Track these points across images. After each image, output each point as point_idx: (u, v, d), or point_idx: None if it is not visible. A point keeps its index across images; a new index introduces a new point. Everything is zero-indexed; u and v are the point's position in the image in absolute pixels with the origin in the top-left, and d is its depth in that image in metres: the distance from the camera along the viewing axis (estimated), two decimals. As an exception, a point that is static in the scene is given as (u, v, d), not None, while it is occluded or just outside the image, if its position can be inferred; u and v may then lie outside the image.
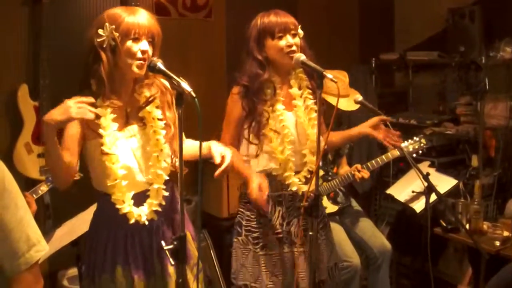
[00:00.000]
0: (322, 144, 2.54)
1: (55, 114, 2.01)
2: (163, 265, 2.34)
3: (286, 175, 2.75)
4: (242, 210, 2.87)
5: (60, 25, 3.84)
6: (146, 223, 2.30)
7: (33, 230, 1.69)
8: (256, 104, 2.71)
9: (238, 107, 2.75)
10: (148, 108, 2.32)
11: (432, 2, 5.27)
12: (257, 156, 2.76)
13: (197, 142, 2.29)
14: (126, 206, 2.25)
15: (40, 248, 1.70)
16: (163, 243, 2.08)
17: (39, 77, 3.64)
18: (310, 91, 2.82)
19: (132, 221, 2.26)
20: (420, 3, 5.45)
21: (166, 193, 2.33)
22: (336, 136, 3.06)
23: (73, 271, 3.68)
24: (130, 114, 2.31)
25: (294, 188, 2.77)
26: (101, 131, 2.20)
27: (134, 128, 2.31)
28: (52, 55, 3.68)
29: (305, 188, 2.74)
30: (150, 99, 2.32)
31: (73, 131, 2.20)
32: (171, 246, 2.00)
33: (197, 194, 4.15)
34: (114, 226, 2.30)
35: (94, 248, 2.32)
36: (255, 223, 2.81)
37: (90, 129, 2.21)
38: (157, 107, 2.34)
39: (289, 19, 2.71)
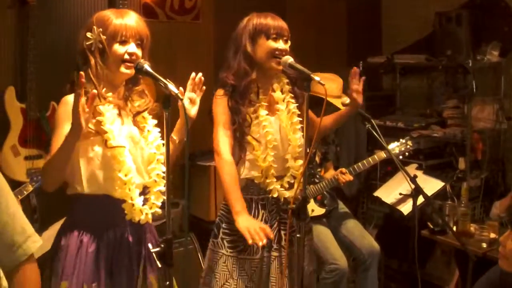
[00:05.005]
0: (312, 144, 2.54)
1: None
2: (145, 273, 2.28)
3: (268, 182, 2.72)
4: (223, 212, 2.81)
5: (47, 27, 3.82)
6: (151, 222, 2.26)
7: (27, 223, 1.73)
8: (240, 105, 2.69)
9: (226, 108, 2.71)
10: (143, 114, 2.32)
11: (419, 6, 5.29)
12: (237, 164, 2.70)
13: None
14: (136, 202, 2.19)
15: (36, 239, 1.74)
16: (150, 246, 2.07)
17: (26, 79, 3.62)
18: (292, 95, 2.81)
19: (137, 219, 2.20)
20: (407, 6, 5.47)
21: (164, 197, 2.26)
22: (329, 120, 2.97)
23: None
24: (124, 116, 2.28)
25: (275, 195, 2.74)
26: (108, 126, 2.15)
27: (128, 129, 2.27)
28: (39, 57, 3.66)
29: (287, 194, 2.72)
30: (145, 108, 2.31)
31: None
32: (158, 249, 1.96)
33: (184, 198, 4.13)
34: (100, 230, 2.20)
35: (74, 256, 2.17)
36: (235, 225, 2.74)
37: (89, 127, 2.11)
38: (149, 114, 2.34)
39: (284, 25, 2.72)
